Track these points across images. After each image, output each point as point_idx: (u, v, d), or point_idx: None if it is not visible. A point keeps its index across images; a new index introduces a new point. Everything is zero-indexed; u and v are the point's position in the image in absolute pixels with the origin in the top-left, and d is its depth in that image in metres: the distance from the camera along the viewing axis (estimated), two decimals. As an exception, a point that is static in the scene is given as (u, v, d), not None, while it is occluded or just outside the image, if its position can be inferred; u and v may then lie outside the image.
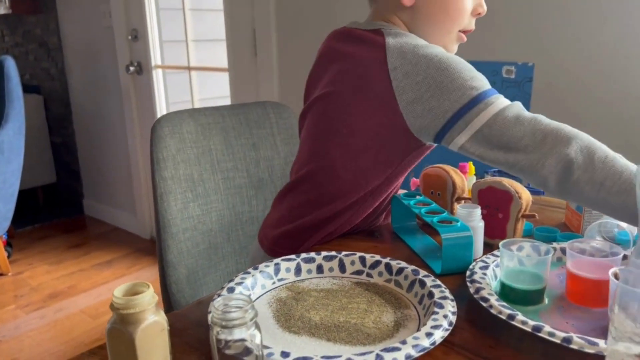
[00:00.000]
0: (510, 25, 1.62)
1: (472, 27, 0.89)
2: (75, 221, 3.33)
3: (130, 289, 0.56)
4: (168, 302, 1.20)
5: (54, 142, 3.47)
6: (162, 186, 1.17)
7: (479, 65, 1.72)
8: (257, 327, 0.51)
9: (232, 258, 1.32)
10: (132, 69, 2.74)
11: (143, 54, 2.71)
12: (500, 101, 0.76)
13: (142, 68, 2.76)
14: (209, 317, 0.52)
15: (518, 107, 0.76)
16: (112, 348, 0.56)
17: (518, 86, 1.62)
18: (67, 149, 3.40)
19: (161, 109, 2.79)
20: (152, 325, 0.55)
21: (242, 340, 0.50)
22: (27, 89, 3.35)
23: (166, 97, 2.80)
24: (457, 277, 0.79)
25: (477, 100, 0.75)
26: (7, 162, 2.41)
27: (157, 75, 2.75)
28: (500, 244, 0.70)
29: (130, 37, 2.73)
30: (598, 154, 0.70)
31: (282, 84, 2.23)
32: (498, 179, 0.85)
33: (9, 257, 2.68)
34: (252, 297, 0.73)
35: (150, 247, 2.88)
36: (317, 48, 0.98)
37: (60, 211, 3.44)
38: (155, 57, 2.72)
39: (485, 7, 0.88)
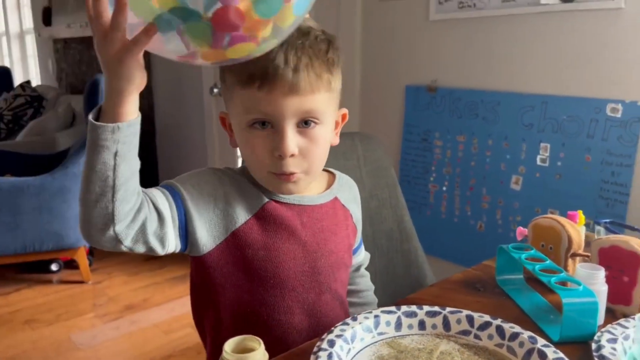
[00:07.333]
0: (617, 59, 1.51)
1: (285, 169, 0.77)
2: (151, 234, 3.43)
3: (240, 343, 0.54)
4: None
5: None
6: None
7: (578, 102, 1.62)
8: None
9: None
10: (215, 90, 2.82)
11: (227, 76, 2.76)
12: None
13: (225, 90, 2.82)
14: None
15: None
16: (217, 405, 0.53)
17: (624, 127, 1.50)
18: (149, 166, 3.52)
19: (241, 131, 2.82)
20: (261, 385, 0.52)
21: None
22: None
23: (247, 121, 2.84)
24: (576, 346, 0.71)
25: None
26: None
27: (239, 98, 2.79)
28: (637, 316, 0.62)
29: (215, 60, 2.79)
30: None
31: (364, 111, 2.20)
32: (625, 237, 0.77)
33: (90, 265, 2.78)
34: (352, 351, 0.69)
35: (222, 266, 2.91)
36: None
37: (138, 223, 3.55)
38: (239, 80, 2.77)
39: (283, 150, 0.74)
